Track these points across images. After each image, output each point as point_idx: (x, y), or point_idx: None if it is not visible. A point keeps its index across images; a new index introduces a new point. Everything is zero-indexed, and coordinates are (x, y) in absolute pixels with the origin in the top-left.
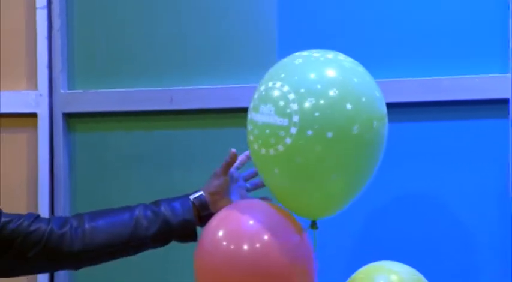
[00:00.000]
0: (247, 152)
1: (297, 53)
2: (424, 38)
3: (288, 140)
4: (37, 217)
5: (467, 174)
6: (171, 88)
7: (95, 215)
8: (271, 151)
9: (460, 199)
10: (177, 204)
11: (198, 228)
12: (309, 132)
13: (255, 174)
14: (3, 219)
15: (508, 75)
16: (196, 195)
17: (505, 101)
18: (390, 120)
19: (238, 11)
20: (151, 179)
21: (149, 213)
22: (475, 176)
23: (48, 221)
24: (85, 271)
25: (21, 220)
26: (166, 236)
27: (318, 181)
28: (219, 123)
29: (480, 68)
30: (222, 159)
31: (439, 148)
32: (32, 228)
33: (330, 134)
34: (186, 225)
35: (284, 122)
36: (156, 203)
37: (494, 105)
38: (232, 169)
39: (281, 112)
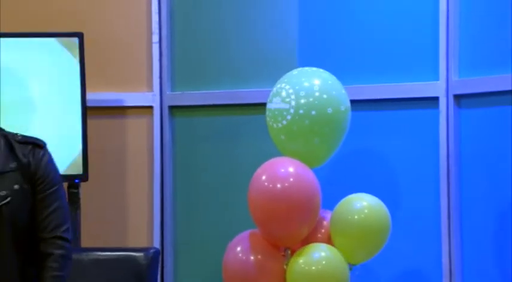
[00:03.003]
0: None
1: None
2: (387, 59)
3: (289, 117)
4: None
5: (412, 143)
6: (234, 90)
7: None
8: (279, 125)
9: (403, 159)
10: None
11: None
12: (301, 111)
13: None
14: None
15: (439, 82)
16: None
17: (436, 98)
18: (364, 109)
19: (268, 42)
20: (224, 151)
21: None
22: (416, 144)
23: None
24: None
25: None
26: None
27: (305, 143)
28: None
29: (421, 77)
30: (268, 138)
31: (395, 127)
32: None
33: (313, 112)
34: None
35: (286, 106)
36: None
37: (429, 101)
38: None
39: (284, 100)
